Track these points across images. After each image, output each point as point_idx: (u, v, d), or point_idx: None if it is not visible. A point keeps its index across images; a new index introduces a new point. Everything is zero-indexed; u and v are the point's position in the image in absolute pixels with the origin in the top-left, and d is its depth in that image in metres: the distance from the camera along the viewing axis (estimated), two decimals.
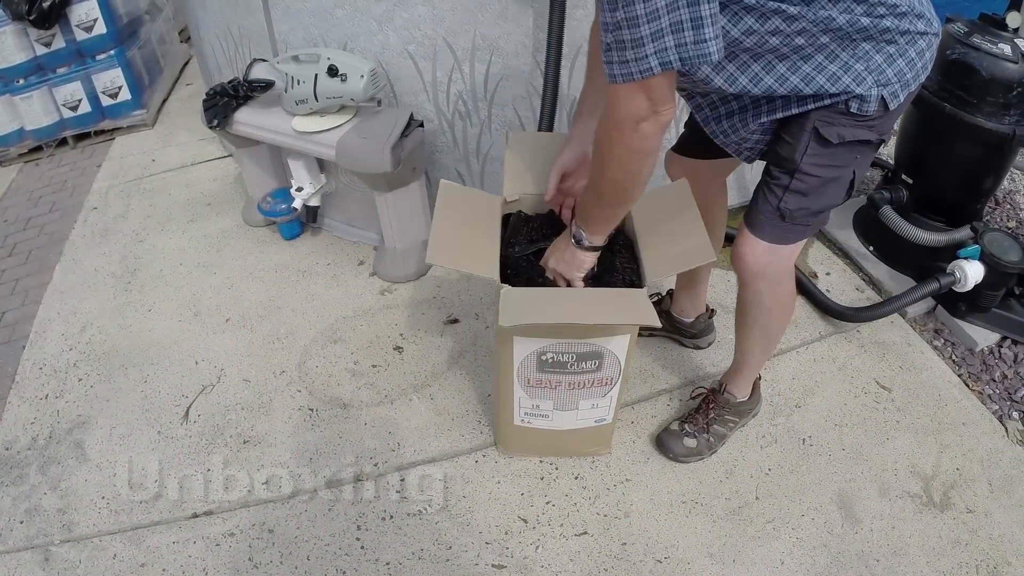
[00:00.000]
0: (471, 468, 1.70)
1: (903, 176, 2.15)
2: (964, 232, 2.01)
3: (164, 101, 3.46)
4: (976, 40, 1.87)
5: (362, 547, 1.55)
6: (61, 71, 3.01)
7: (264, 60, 2.20)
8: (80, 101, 3.09)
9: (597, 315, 1.31)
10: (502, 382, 1.53)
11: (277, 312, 2.15)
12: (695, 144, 1.51)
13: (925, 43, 1.14)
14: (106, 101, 3.15)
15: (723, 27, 1.04)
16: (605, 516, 1.59)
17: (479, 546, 1.55)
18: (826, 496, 1.62)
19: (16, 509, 1.67)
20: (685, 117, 1.55)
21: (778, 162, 1.28)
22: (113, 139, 3.20)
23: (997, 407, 1.83)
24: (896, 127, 2.21)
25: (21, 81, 2.95)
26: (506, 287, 1.35)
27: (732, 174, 1.64)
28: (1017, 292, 1.99)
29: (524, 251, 1.50)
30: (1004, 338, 2.00)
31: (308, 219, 2.38)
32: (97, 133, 3.21)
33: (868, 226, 2.29)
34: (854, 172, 1.27)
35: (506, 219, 1.57)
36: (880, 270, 2.20)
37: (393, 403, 1.86)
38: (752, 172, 2.23)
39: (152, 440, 1.80)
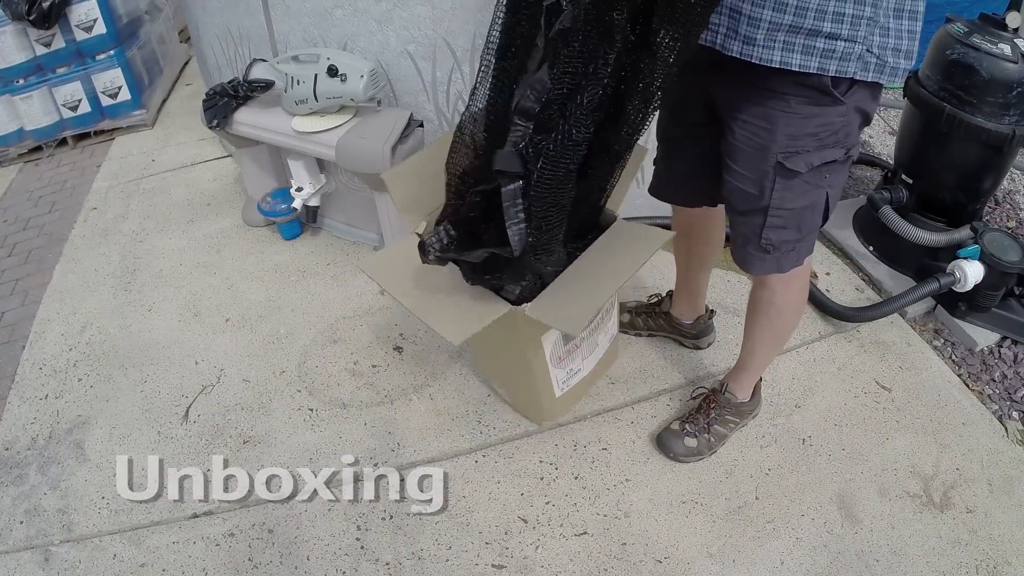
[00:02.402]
0: (471, 468, 1.70)
1: (903, 176, 2.15)
2: (964, 232, 2.01)
3: (164, 101, 3.46)
4: (976, 40, 1.87)
5: (362, 547, 1.55)
6: (61, 71, 3.01)
7: (264, 60, 2.20)
8: (80, 101, 3.09)
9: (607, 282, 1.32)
10: (537, 373, 1.56)
11: (277, 312, 2.15)
12: (671, 188, 1.53)
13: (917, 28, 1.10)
14: (106, 101, 3.15)
15: None
16: (605, 516, 1.59)
17: (479, 546, 1.55)
18: (826, 496, 1.62)
19: (16, 509, 1.67)
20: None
21: (746, 202, 1.26)
22: (113, 139, 3.20)
23: (997, 407, 1.83)
24: (897, 127, 2.22)
25: (21, 81, 2.95)
26: (527, 306, 1.32)
27: None
28: (1017, 292, 1.99)
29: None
30: (1004, 338, 2.00)
31: (308, 219, 2.38)
32: (97, 133, 3.22)
33: (868, 226, 2.29)
34: (827, 195, 1.24)
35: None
36: (880, 270, 2.20)
37: (393, 403, 1.86)
38: None
39: (152, 440, 1.80)
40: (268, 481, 1.69)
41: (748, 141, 1.20)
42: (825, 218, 1.28)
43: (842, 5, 1.03)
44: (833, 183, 1.23)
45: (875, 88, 1.15)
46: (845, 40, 1.05)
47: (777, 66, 1.08)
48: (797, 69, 1.07)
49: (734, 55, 1.10)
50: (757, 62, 1.09)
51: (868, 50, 1.06)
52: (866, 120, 1.20)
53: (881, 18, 1.05)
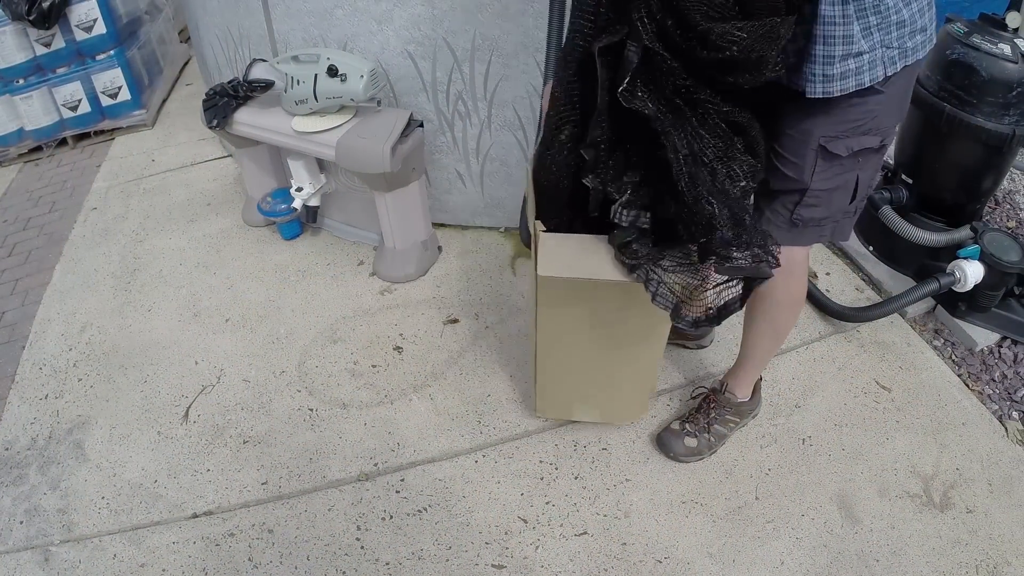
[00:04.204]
0: (471, 468, 1.70)
1: (903, 176, 2.15)
2: (964, 232, 2.01)
3: (164, 101, 3.46)
4: (976, 40, 1.87)
5: (362, 547, 1.55)
6: (61, 71, 3.01)
7: (264, 60, 2.20)
8: (80, 101, 3.09)
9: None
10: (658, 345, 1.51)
11: (277, 312, 2.15)
12: None
13: (928, 19, 1.14)
14: (106, 101, 3.15)
15: None
16: (605, 516, 1.59)
17: (479, 546, 1.54)
18: (826, 496, 1.62)
19: (16, 509, 1.67)
20: None
21: (784, 183, 1.29)
22: (113, 139, 3.20)
23: (997, 407, 1.83)
24: (896, 128, 2.22)
25: (21, 81, 2.95)
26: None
27: None
28: (1017, 292, 1.99)
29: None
30: (1004, 338, 2.00)
31: (308, 219, 2.38)
32: (97, 133, 3.22)
33: (868, 226, 2.28)
34: (858, 177, 1.28)
35: None
36: (880, 270, 2.20)
37: (393, 403, 1.86)
38: None
39: (152, 440, 1.80)
40: (268, 481, 1.69)
41: (793, 126, 1.23)
42: (854, 198, 1.32)
43: (851, 27, 1.08)
44: (865, 167, 1.28)
45: (909, 75, 1.20)
46: (868, 52, 1.11)
47: (831, 95, 1.14)
48: (839, 94, 1.13)
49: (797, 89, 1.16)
50: (821, 96, 1.14)
51: (887, 47, 1.11)
52: (901, 110, 1.25)
53: (892, 15, 1.09)
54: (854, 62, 1.10)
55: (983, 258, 1.92)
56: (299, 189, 2.26)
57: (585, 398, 1.68)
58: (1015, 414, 1.81)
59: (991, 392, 1.87)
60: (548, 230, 1.36)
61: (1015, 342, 1.99)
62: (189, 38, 3.66)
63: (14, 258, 2.52)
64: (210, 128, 2.17)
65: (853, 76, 1.12)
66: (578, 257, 1.32)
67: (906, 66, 1.15)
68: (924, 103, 1.97)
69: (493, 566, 1.51)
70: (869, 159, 1.27)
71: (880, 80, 1.14)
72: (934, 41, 1.18)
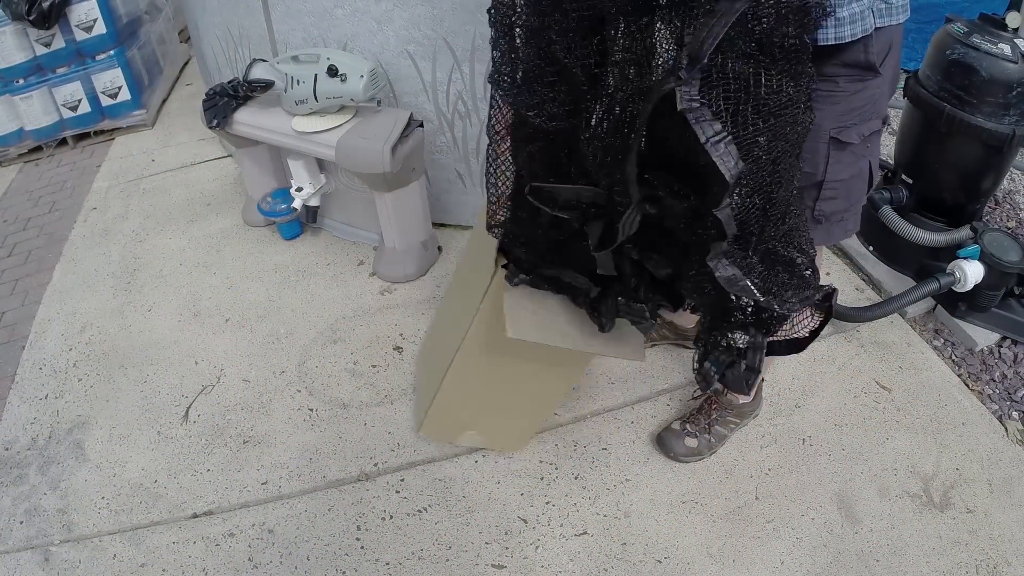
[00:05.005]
0: (471, 468, 1.70)
1: (903, 176, 2.15)
2: (964, 232, 2.01)
3: (164, 101, 3.46)
4: (976, 40, 1.87)
5: (362, 547, 1.55)
6: (61, 71, 3.01)
7: (264, 60, 2.20)
8: (80, 101, 3.09)
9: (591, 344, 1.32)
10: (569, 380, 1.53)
11: (277, 312, 2.15)
12: None
13: None
14: (106, 101, 3.15)
15: None
16: (605, 516, 1.59)
17: (479, 546, 1.54)
18: (826, 496, 1.62)
19: (16, 509, 1.67)
20: None
21: (800, 180, 1.29)
22: (113, 139, 3.20)
23: (997, 407, 1.83)
24: (897, 127, 2.22)
25: (21, 81, 2.95)
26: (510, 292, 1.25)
27: None
28: (1017, 292, 1.99)
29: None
30: (1004, 338, 2.00)
31: (308, 219, 2.38)
32: (97, 133, 3.22)
33: (868, 226, 2.28)
34: (870, 163, 1.31)
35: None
36: (880, 270, 2.20)
37: (393, 403, 1.86)
38: None
39: (152, 440, 1.80)
40: (268, 481, 1.69)
41: None
42: (870, 185, 1.34)
43: None
44: (874, 152, 1.31)
45: (896, 54, 1.22)
46: None
47: (843, 41, 1.12)
48: (849, 39, 1.12)
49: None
50: (834, 43, 1.12)
51: None
52: (892, 91, 1.28)
53: None
54: (856, 6, 1.10)
55: (983, 258, 1.92)
56: (299, 189, 2.26)
57: (478, 422, 1.63)
58: (1015, 414, 1.81)
59: (991, 392, 1.87)
60: (511, 261, 1.27)
61: (1015, 342, 1.99)
62: (189, 38, 3.66)
63: (14, 258, 2.52)
64: (210, 128, 2.17)
65: (859, 21, 1.11)
66: (550, 317, 1.28)
67: (890, 25, 1.16)
68: (924, 103, 1.97)
69: (493, 566, 1.51)
70: (875, 143, 1.30)
71: (872, 30, 1.13)
72: (908, 12, 1.19)
